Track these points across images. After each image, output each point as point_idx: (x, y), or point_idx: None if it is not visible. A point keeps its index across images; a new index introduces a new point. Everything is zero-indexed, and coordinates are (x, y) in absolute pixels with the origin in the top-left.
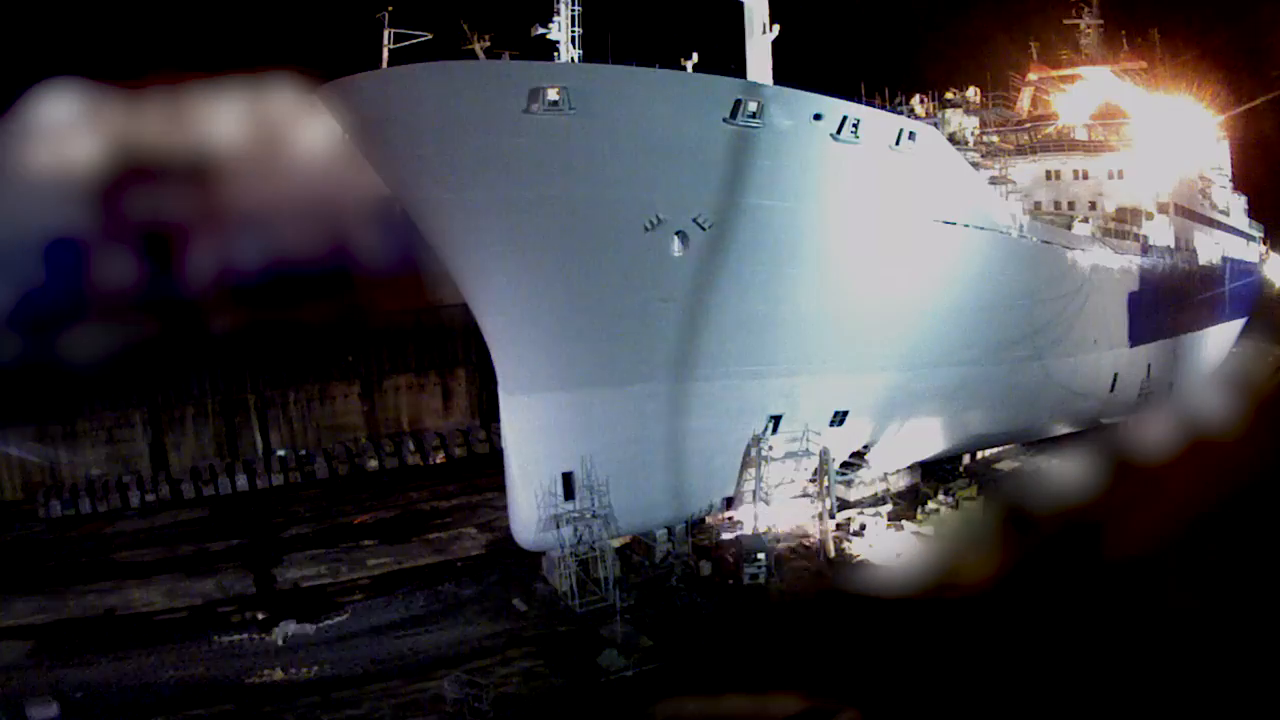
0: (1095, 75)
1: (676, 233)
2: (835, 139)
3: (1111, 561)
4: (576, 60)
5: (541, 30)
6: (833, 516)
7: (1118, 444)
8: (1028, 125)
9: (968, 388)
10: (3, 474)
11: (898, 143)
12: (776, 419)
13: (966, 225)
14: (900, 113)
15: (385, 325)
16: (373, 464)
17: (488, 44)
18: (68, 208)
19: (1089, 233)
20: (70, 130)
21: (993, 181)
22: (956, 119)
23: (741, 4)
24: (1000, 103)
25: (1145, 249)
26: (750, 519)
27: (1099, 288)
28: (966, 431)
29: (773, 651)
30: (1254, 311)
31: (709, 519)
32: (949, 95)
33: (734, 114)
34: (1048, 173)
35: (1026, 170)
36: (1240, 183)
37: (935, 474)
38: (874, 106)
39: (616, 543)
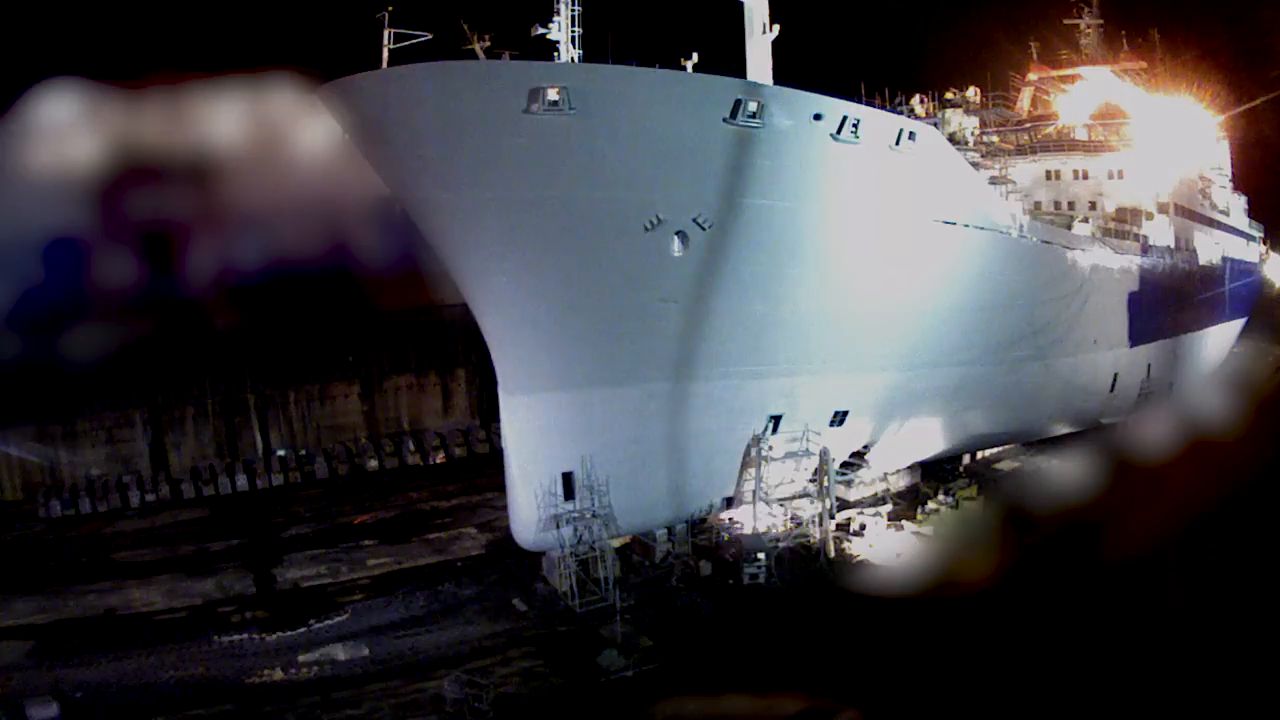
0: (1095, 75)
1: (676, 233)
2: (835, 139)
3: (1111, 561)
4: (576, 60)
5: (541, 30)
6: (833, 516)
7: (1118, 444)
8: (1028, 125)
9: (968, 388)
10: (3, 474)
11: (898, 143)
12: (776, 419)
13: (966, 225)
14: (900, 113)
15: (385, 325)
16: (373, 464)
17: (488, 44)
18: (68, 208)
19: (1089, 233)
20: (70, 130)
21: (993, 181)
22: (956, 119)
23: (741, 4)
24: (1000, 103)
25: (1145, 249)
26: (750, 519)
27: (1099, 288)
28: (966, 431)
29: (773, 651)
30: (1254, 311)
31: (709, 519)
32: (949, 95)
33: (734, 114)
34: (1048, 173)
35: (1026, 170)
36: (1240, 183)
37: (935, 474)
38: (874, 106)
39: (616, 543)
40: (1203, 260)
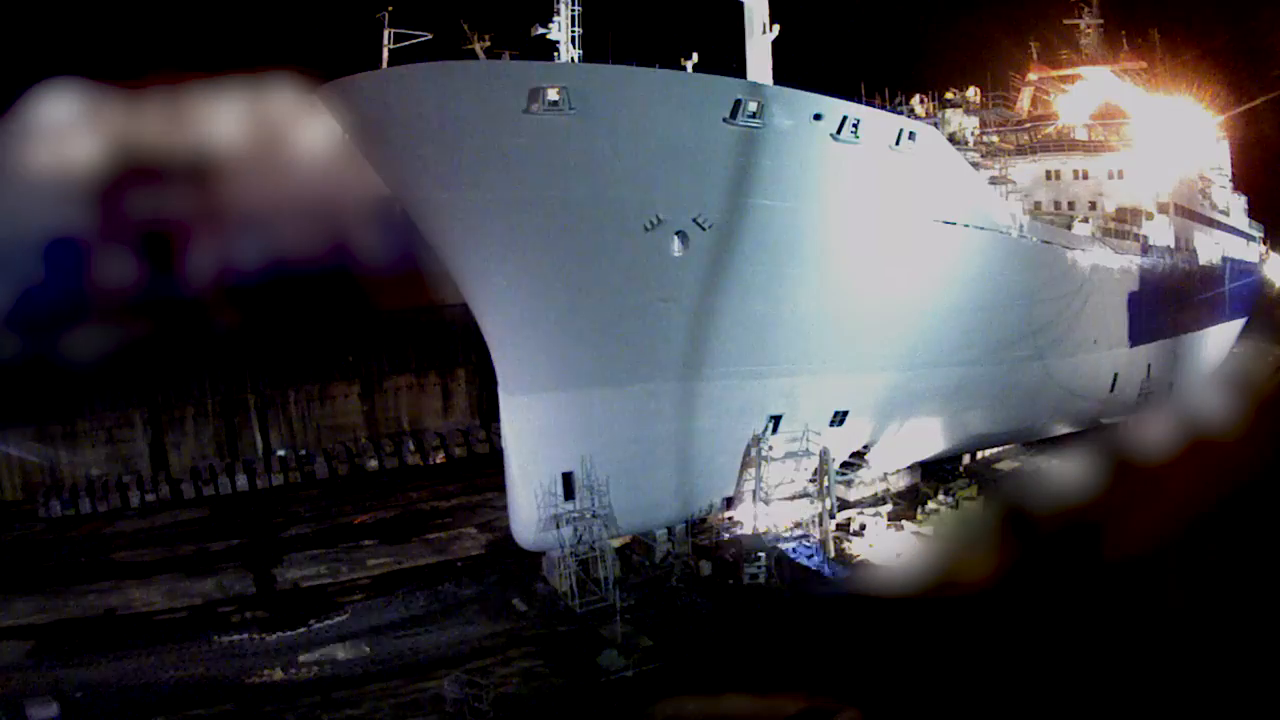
0: (1095, 75)
1: (676, 233)
2: (835, 139)
3: (1111, 561)
4: (576, 60)
5: (541, 30)
6: (833, 516)
7: (1118, 444)
8: (1028, 125)
9: (967, 388)
10: (3, 474)
11: (898, 143)
12: (776, 419)
13: (966, 225)
14: (900, 113)
15: (385, 325)
16: (373, 464)
17: (488, 44)
18: (68, 208)
19: (1089, 233)
20: (70, 130)
21: (993, 181)
22: (956, 119)
23: (741, 4)
24: (1000, 103)
25: (1145, 249)
26: (750, 519)
27: (1099, 288)
28: (966, 431)
29: (773, 651)
30: (1254, 311)
31: (709, 519)
32: (949, 95)
33: (734, 114)
34: (1048, 173)
35: (1026, 170)
36: (1240, 183)
37: (935, 474)
38: (874, 106)
39: (616, 543)
40: (1203, 260)
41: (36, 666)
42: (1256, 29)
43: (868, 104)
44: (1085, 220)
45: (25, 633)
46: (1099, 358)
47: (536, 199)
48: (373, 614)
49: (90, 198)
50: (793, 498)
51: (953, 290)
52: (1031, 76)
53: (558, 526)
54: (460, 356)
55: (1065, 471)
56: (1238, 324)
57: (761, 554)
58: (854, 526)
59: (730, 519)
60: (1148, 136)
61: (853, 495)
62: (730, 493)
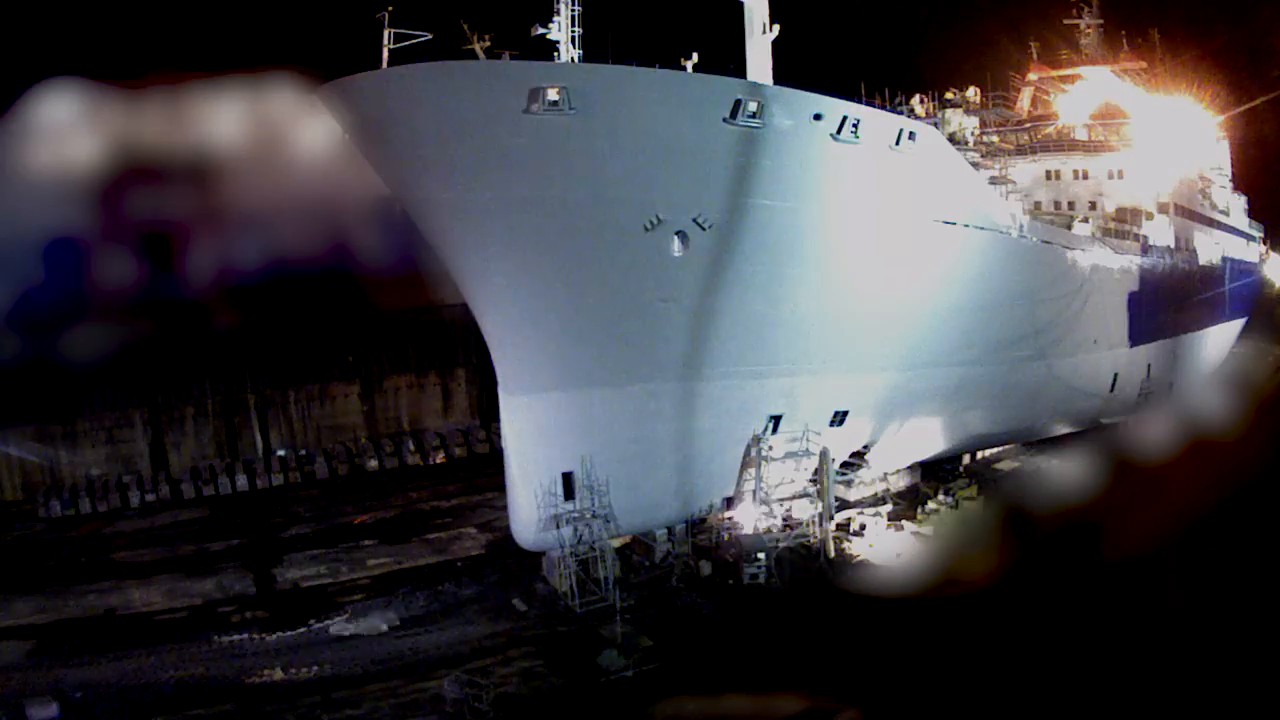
0: (1095, 75)
1: (676, 233)
2: (835, 139)
3: (1111, 561)
4: (576, 60)
5: (541, 30)
6: (832, 517)
7: (1118, 444)
8: (1028, 125)
9: (968, 388)
10: (3, 474)
11: (898, 143)
12: (776, 419)
13: (966, 225)
14: (900, 113)
15: (385, 325)
16: (373, 464)
17: (488, 44)
18: (68, 208)
19: (1089, 233)
20: (70, 130)
21: (993, 181)
22: (956, 119)
23: (741, 4)
24: (1000, 103)
25: (1145, 249)
26: (750, 519)
27: (1099, 288)
28: (966, 431)
29: (773, 651)
30: (1254, 311)
31: (709, 519)
32: (949, 95)
33: (734, 114)
34: (1048, 173)
35: (1026, 170)
36: (1240, 183)
37: (935, 474)
38: (874, 106)
39: (616, 543)
40: (1203, 260)
41: (36, 666)
42: (1256, 29)
43: (868, 104)
44: (1085, 220)
45: (25, 633)
46: (1099, 358)
47: (536, 199)
48: (373, 614)
49: (90, 198)
50: (793, 498)
51: (953, 290)
52: (1031, 76)
53: (558, 526)
54: (460, 356)
55: (1065, 471)
56: (1238, 324)
57: (761, 554)
58: (854, 526)
59: (730, 519)
60: (1148, 136)
61: (853, 495)
62: (730, 493)
